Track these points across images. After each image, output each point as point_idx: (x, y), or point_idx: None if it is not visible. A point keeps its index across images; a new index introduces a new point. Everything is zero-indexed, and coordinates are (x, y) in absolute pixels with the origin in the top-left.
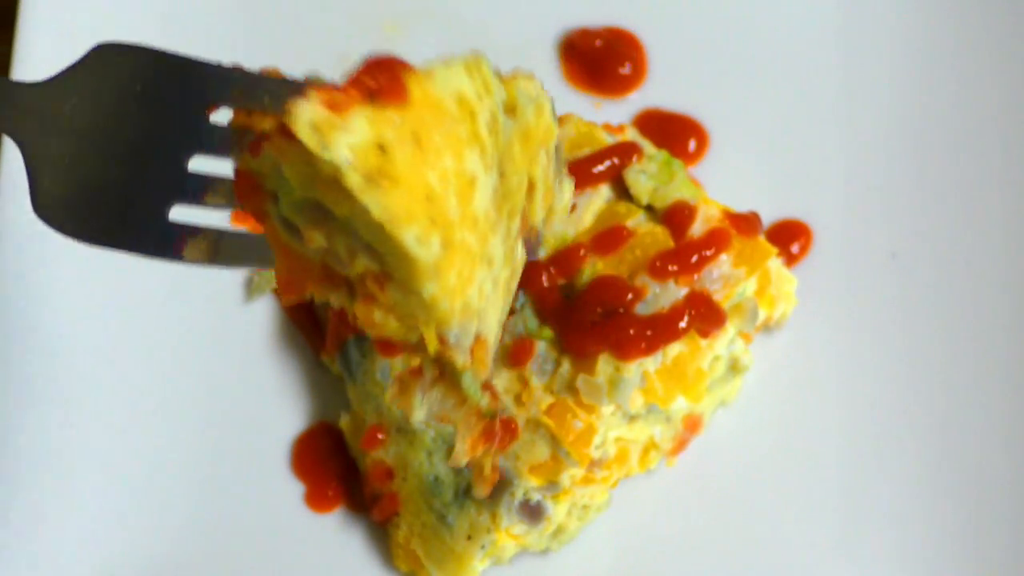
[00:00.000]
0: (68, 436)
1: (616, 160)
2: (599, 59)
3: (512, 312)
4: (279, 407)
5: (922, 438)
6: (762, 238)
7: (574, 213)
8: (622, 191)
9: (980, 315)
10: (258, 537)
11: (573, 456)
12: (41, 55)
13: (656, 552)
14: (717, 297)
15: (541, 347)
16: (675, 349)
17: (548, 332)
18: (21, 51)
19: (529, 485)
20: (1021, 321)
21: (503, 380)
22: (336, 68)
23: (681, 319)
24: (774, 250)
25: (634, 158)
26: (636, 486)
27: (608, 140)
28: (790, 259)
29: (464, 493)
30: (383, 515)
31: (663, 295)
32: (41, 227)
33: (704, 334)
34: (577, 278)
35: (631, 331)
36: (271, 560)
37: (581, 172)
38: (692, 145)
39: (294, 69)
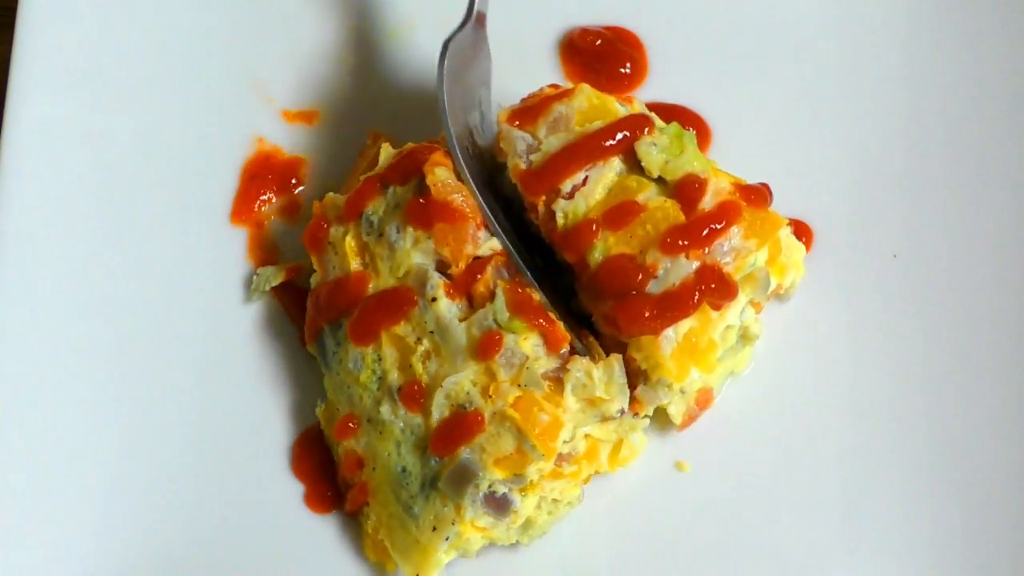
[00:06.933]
0: (67, 437)
1: (627, 133)
2: (600, 58)
3: (482, 305)
4: (279, 408)
5: (923, 438)
6: (772, 209)
7: (585, 187)
8: (633, 164)
9: (982, 315)
10: (258, 537)
11: (539, 449)
12: (41, 55)
13: (636, 545)
14: (728, 269)
15: (510, 340)
16: (686, 324)
17: (518, 324)
18: (21, 51)
19: (494, 477)
20: None
21: (470, 373)
22: (337, 71)
23: (693, 295)
24: (784, 220)
25: (645, 130)
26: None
27: (621, 111)
28: None
29: (431, 484)
30: (354, 505)
31: (674, 270)
32: (42, 230)
33: (716, 307)
34: (589, 255)
35: (645, 313)
36: (271, 560)
37: (592, 145)
38: None
39: (295, 72)
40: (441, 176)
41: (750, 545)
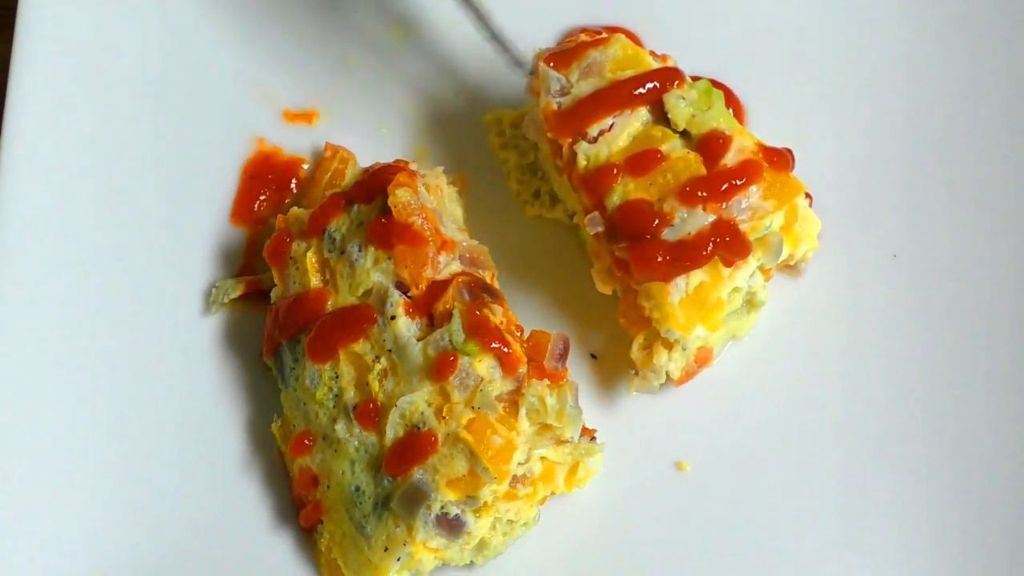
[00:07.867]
0: (62, 443)
1: (657, 84)
2: None
3: (440, 325)
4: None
5: (923, 438)
6: (793, 175)
7: (610, 132)
8: (660, 116)
9: (982, 316)
10: (257, 538)
11: (491, 472)
12: (41, 55)
13: (634, 546)
14: (744, 227)
15: (464, 362)
16: (697, 278)
17: (473, 347)
18: (21, 51)
19: (446, 499)
20: None
21: (425, 393)
22: (337, 71)
23: (706, 246)
24: (804, 187)
25: (675, 83)
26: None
27: (653, 65)
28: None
29: (383, 504)
30: (308, 522)
31: (690, 220)
32: (41, 230)
33: (728, 263)
34: (608, 198)
35: (658, 258)
36: (271, 561)
37: (622, 92)
38: None
39: (295, 72)
40: (403, 197)
41: (750, 545)
